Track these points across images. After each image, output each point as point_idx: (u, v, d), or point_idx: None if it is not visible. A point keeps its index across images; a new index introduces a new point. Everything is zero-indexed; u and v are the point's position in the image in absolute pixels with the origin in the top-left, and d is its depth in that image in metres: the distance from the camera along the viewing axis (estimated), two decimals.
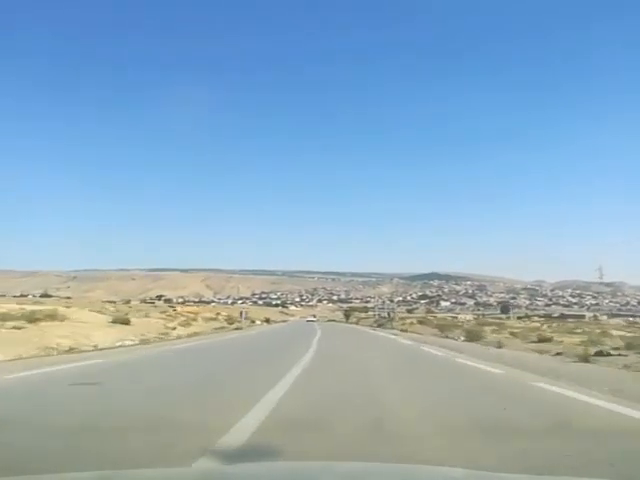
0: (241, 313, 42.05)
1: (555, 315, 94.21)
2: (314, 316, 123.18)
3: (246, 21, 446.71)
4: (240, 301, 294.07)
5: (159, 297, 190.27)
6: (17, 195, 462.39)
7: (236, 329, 37.64)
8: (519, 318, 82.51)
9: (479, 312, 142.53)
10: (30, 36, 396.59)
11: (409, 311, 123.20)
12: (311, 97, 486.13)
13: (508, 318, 74.61)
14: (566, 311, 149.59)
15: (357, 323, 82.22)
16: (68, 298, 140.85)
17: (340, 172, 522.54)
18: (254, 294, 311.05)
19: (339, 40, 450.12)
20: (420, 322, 53.92)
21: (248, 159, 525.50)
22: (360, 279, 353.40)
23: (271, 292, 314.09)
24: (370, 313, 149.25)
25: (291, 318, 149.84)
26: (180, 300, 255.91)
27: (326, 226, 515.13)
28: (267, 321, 77.30)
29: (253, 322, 62.41)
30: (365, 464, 3.41)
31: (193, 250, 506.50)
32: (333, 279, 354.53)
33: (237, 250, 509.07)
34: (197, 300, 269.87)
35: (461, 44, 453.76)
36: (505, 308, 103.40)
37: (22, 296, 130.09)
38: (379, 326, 51.73)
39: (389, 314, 49.66)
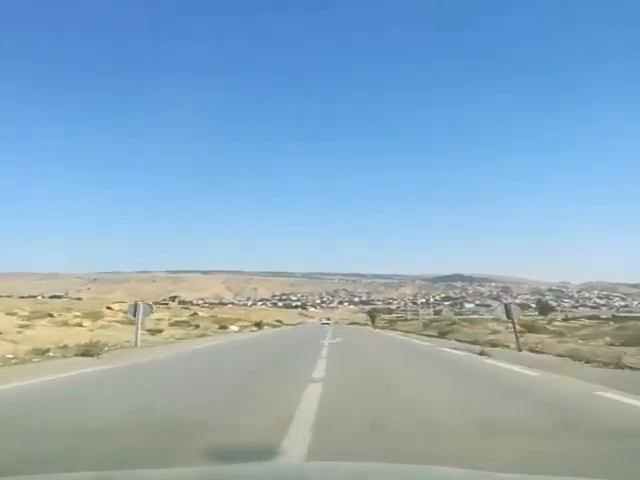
0: (135, 306, 18.72)
1: (604, 317, 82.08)
2: (328, 319, 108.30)
3: (245, 25, 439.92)
4: (260, 302, 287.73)
5: (173, 298, 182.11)
6: (40, 199, 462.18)
7: (83, 354, 13.13)
8: (564, 320, 70.23)
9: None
10: (27, 37, 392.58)
11: (436, 312, 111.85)
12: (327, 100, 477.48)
13: (552, 320, 62.80)
14: (593, 312, 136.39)
15: (391, 328, 58.63)
16: (79, 299, 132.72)
17: (361, 175, 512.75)
18: (274, 296, 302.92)
19: (345, 43, 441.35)
20: (528, 328, 28.24)
21: (266, 162, 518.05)
22: (382, 280, 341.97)
23: (291, 294, 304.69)
24: (394, 315, 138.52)
25: (309, 320, 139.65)
26: (200, 302, 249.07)
27: (346, 228, 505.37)
28: (258, 325, 55.57)
29: (224, 328, 42.90)
30: (365, 464, 3.30)
31: (213, 252, 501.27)
32: (354, 281, 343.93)
33: (257, 252, 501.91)
34: (217, 302, 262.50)
35: (465, 47, 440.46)
36: (545, 308, 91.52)
37: (31, 297, 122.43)
38: (442, 335, 29.01)
39: (507, 308, 16.59)
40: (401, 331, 46.00)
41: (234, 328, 44.91)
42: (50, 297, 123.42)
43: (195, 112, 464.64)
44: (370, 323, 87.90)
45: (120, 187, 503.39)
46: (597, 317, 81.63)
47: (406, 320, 79.62)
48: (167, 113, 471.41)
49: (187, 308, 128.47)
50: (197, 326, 40.35)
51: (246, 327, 51.44)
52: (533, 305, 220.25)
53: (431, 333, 34.63)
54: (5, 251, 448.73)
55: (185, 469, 3.19)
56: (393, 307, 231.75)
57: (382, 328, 61.63)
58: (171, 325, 39.20)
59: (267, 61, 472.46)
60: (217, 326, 44.05)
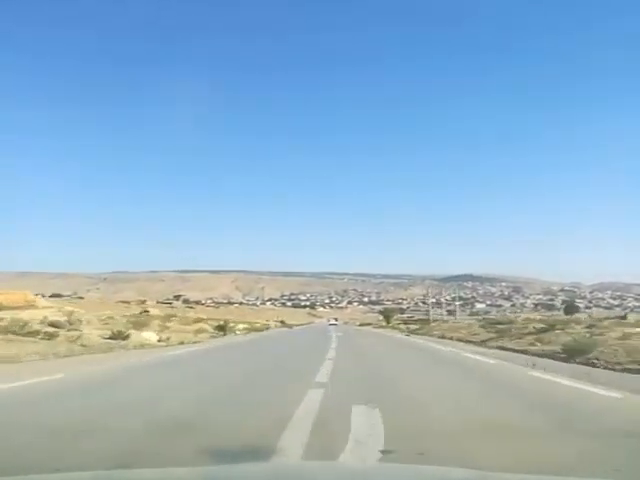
0: None
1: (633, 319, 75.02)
2: (336, 319, 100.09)
3: (245, 20, 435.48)
4: (269, 302, 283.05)
5: (177, 297, 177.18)
6: (50, 198, 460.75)
7: None
8: (604, 319, 62.14)
9: (537, 313, 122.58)
10: (27, 33, 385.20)
11: (450, 312, 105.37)
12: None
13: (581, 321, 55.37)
14: (608, 313, 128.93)
15: (423, 332, 40.00)
16: (80, 298, 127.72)
17: (370, 174, 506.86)
18: (283, 295, 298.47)
19: (340, 39, 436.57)
20: None
21: (274, 159, 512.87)
22: (391, 280, 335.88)
23: (300, 293, 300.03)
24: (405, 315, 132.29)
25: (317, 320, 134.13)
26: (209, 301, 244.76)
27: (356, 227, 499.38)
28: (222, 329, 38.14)
29: (124, 339, 24.08)
30: (364, 464, 3.40)
31: (223, 252, 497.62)
32: (363, 280, 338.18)
33: (267, 252, 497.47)
34: (225, 301, 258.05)
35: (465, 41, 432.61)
36: (570, 308, 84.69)
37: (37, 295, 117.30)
38: (576, 354, 13.93)
39: None
40: (454, 340, 28.12)
41: (149, 337, 27.09)
42: (50, 296, 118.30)
43: (204, 108, 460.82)
44: (385, 324, 79.01)
45: (131, 187, 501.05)
46: (624, 317, 74.68)
47: (442, 321, 61.16)
48: (175, 109, 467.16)
49: (191, 307, 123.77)
50: (73, 340, 21.56)
51: (201, 332, 35.16)
52: (546, 304, 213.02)
53: (529, 347, 18.82)
54: (17, 251, 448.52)
55: (185, 469, 3.10)
56: (404, 307, 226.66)
57: (411, 332, 41.96)
58: (29, 334, 21.76)
59: (264, 57, 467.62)
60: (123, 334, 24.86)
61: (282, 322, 76.95)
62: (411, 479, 2.45)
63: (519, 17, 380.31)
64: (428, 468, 2.93)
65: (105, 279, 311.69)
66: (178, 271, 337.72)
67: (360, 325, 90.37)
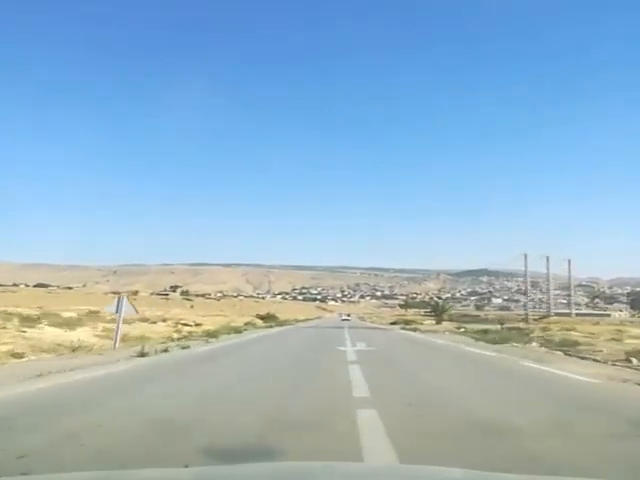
0: None
1: None
2: (348, 315, 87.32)
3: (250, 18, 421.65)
4: (279, 296, 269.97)
5: (174, 288, 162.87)
6: (64, 190, 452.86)
7: None
8: None
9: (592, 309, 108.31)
10: (27, 31, 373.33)
11: (480, 307, 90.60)
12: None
13: None
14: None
15: None
16: (69, 289, 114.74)
17: (386, 168, 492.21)
18: (294, 289, 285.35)
19: (339, 34, 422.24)
20: None
21: (286, 154, 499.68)
22: (405, 275, 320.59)
23: (311, 287, 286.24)
24: (422, 311, 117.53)
25: (327, 315, 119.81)
26: (219, 294, 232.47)
27: (368, 221, 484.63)
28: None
29: None
30: (365, 464, 3.43)
31: (234, 245, 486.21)
32: (376, 275, 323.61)
33: (278, 245, 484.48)
34: (235, 295, 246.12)
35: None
36: (637, 302, 70.23)
37: (14, 285, 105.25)
38: None
39: None
40: None
41: None
42: (34, 286, 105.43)
43: (215, 105, 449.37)
44: (435, 322, 55.12)
45: (143, 181, 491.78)
46: None
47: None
48: (189, 106, 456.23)
49: (189, 299, 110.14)
50: None
51: None
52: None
53: None
54: (29, 242, 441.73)
55: (185, 469, 3.11)
56: (417, 301, 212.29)
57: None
58: None
59: (266, 54, 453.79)
60: None
61: (267, 318, 56.83)
62: (411, 479, 2.40)
63: None
64: (428, 468, 2.80)
65: (115, 272, 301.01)
66: (190, 264, 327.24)
67: (394, 324, 54.98)
